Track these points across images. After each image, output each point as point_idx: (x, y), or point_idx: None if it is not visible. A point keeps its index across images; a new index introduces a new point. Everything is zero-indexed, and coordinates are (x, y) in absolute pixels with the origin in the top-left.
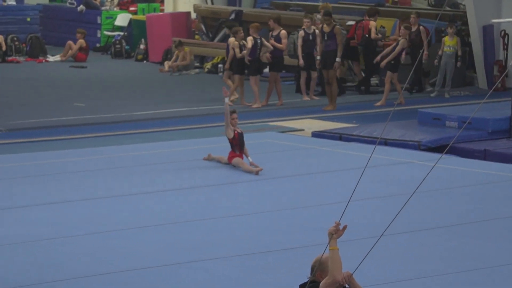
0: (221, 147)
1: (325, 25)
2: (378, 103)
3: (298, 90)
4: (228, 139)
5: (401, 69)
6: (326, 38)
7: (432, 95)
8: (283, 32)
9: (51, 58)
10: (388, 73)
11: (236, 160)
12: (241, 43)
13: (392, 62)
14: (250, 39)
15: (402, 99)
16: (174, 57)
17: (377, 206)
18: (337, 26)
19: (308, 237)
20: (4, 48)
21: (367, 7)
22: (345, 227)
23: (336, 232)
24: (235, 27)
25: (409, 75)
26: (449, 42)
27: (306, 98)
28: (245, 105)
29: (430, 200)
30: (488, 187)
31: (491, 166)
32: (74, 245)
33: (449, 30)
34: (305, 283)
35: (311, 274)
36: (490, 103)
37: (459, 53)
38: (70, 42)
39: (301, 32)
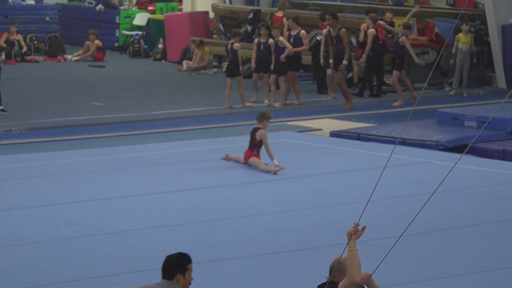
0: (239, 146)
1: (331, 29)
2: (396, 103)
3: (320, 91)
4: (256, 140)
5: (418, 69)
6: (335, 42)
7: (451, 93)
8: (303, 32)
9: (69, 57)
10: (394, 72)
11: (254, 159)
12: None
13: (397, 60)
14: (283, 40)
15: (414, 94)
16: (194, 57)
17: (395, 206)
18: (343, 29)
19: (327, 237)
20: (24, 49)
21: (389, 7)
22: (364, 228)
23: (355, 233)
24: (237, 30)
25: (429, 74)
26: (464, 39)
27: (334, 96)
28: (246, 106)
29: (448, 200)
30: (507, 187)
31: (510, 166)
32: (92, 245)
33: (463, 27)
34: (323, 284)
35: (329, 275)
36: (509, 102)
37: (474, 49)
38: (88, 42)
39: (325, 31)
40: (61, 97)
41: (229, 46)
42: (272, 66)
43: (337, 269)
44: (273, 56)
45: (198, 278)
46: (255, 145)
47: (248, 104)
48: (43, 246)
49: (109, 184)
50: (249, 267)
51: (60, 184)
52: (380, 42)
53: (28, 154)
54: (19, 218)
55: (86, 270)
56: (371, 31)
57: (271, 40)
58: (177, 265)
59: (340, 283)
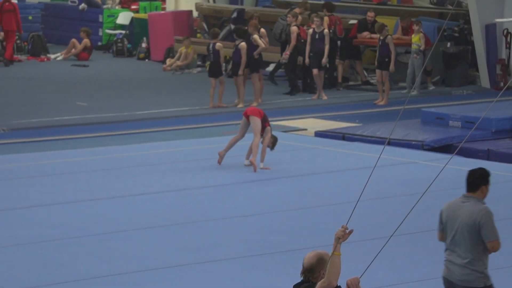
0: (223, 147)
1: (315, 26)
2: (381, 102)
3: (305, 89)
4: (267, 124)
5: (403, 68)
6: (317, 37)
7: (413, 93)
8: (262, 30)
9: (52, 56)
10: (385, 72)
11: (257, 122)
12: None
13: (386, 60)
14: (257, 38)
15: (383, 100)
16: (177, 55)
17: (383, 207)
18: (326, 30)
19: (314, 238)
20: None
21: (372, 6)
22: (351, 232)
23: (342, 236)
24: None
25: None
26: (413, 39)
27: (325, 97)
28: (215, 107)
29: (434, 201)
30: (492, 188)
31: (494, 166)
32: (77, 247)
33: (414, 27)
34: (299, 283)
35: (307, 273)
36: (491, 102)
37: (422, 48)
38: (74, 40)
39: (310, 30)
40: (44, 97)
41: (210, 46)
42: (241, 70)
43: (324, 266)
44: (243, 59)
45: (185, 280)
46: (262, 127)
47: (224, 104)
48: (27, 248)
49: (93, 185)
50: (236, 269)
51: (44, 186)
52: (302, 40)
53: (12, 155)
54: (3, 220)
55: (71, 272)
56: (294, 29)
57: (242, 43)
58: (480, 178)
59: (317, 284)
